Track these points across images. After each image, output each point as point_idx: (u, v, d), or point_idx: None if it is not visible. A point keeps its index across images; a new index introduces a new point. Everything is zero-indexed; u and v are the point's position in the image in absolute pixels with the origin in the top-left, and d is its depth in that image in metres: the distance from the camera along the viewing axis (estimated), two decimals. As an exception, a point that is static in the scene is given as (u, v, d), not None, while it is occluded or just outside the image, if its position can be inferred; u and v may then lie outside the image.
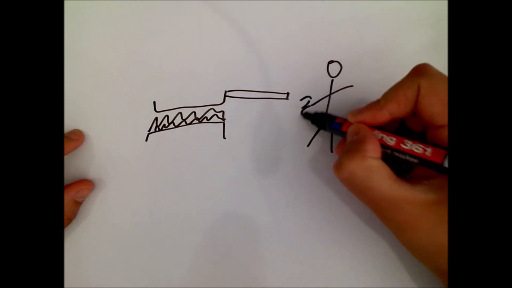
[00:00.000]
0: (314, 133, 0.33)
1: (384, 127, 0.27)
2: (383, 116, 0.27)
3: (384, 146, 0.26)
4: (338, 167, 0.25)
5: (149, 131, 0.34)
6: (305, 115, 0.33)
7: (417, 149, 0.25)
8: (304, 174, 0.33)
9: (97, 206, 0.33)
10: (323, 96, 0.33)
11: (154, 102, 0.34)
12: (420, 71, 0.26)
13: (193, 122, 0.34)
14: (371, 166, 0.24)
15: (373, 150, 0.25)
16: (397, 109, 0.26)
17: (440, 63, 0.26)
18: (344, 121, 0.29)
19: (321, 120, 0.31)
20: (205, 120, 0.34)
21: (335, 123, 0.29)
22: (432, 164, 0.24)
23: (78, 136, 0.33)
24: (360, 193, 0.26)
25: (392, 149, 0.26)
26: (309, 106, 0.33)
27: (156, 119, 0.34)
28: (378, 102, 0.27)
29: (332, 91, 0.33)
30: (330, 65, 0.33)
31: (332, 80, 0.33)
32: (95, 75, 0.34)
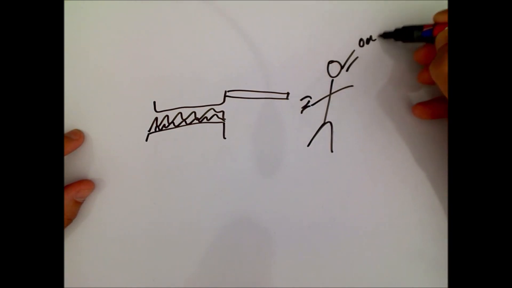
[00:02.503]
0: (314, 133, 0.33)
1: None
2: None
3: None
4: (439, 62, 0.26)
5: (149, 131, 0.34)
6: (385, 35, 0.32)
7: None
8: (304, 174, 0.33)
9: (97, 206, 0.33)
10: (323, 96, 0.33)
11: (154, 102, 0.34)
12: None
13: (193, 122, 0.34)
14: None
15: None
16: None
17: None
18: (433, 26, 0.29)
19: (407, 33, 0.31)
20: (205, 120, 0.34)
21: (425, 31, 0.30)
22: None
23: (78, 136, 0.33)
24: None
25: None
26: (309, 106, 0.33)
27: (156, 119, 0.34)
28: None
29: (332, 91, 0.33)
30: (330, 65, 0.33)
31: (332, 80, 0.33)
32: (95, 75, 0.34)
